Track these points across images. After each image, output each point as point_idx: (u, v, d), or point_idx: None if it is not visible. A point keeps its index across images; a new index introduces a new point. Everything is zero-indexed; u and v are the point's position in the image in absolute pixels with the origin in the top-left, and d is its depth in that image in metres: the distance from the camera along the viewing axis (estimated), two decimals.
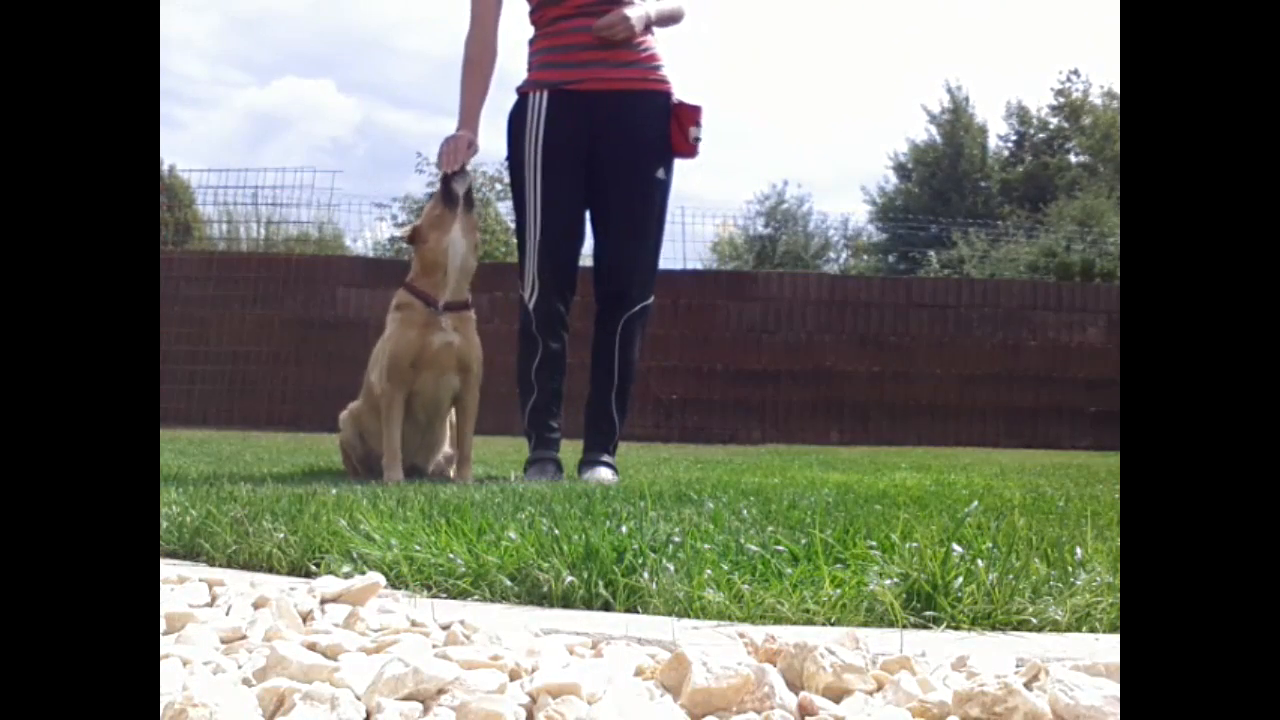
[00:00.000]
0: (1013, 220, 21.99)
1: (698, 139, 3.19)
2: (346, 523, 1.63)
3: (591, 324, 3.27)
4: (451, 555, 1.40)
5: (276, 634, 0.98)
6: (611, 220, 3.22)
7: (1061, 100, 27.75)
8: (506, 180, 18.72)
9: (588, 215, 3.27)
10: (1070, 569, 1.30)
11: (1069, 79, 27.93)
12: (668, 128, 3.19)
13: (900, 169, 28.99)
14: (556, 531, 1.47)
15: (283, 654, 0.86)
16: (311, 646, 0.93)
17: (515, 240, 3.36)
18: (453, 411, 3.18)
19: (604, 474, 3.08)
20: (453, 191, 3.08)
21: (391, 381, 2.99)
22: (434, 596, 1.32)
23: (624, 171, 3.18)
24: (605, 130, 3.15)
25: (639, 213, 3.21)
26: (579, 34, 3.15)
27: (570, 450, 3.31)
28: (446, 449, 3.25)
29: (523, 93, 3.24)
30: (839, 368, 9.14)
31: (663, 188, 3.24)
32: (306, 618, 1.08)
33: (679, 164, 3.28)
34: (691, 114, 3.18)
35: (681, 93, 3.25)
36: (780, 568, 1.30)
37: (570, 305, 3.26)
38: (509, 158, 3.30)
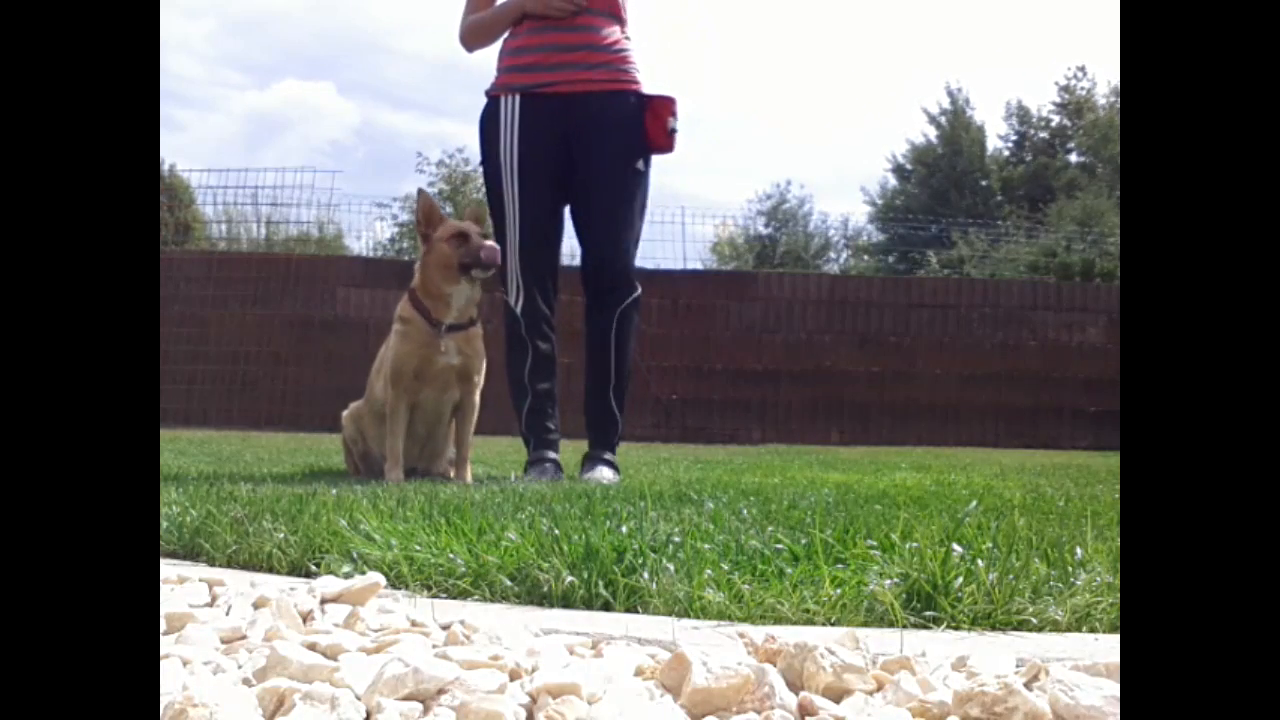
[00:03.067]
0: (1013, 220, 22.00)
1: (674, 130, 3.19)
2: (346, 523, 1.63)
3: (580, 323, 3.27)
4: (451, 555, 1.40)
5: (276, 634, 0.98)
6: (593, 219, 3.23)
7: (1066, 97, 27.75)
8: None
9: (568, 215, 3.28)
10: (1070, 569, 1.30)
11: (1075, 75, 27.97)
12: (642, 124, 3.19)
13: (900, 169, 29.00)
14: (556, 531, 1.47)
15: (283, 654, 0.86)
16: (311, 646, 0.93)
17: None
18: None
19: (605, 473, 3.08)
20: (471, 275, 3.01)
21: (394, 390, 3.00)
22: (434, 596, 1.32)
23: (602, 170, 3.18)
24: (580, 131, 3.15)
25: (620, 209, 3.21)
26: (548, 34, 3.15)
27: (570, 450, 3.31)
28: (450, 451, 3.25)
29: (493, 96, 3.24)
30: (839, 368, 9.14)
31: (642, 181, 3.24)
32: (306, 618, 1.08)
33: (670, 162, 3.30)
34: (667, 105, 3.19)
35: (682, 92, 3.26)
36: (780, 567, 1.30)
37: (555, 305, 3.26)
38: (483, 162, 3.30)
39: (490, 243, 3.07)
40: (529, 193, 3.17)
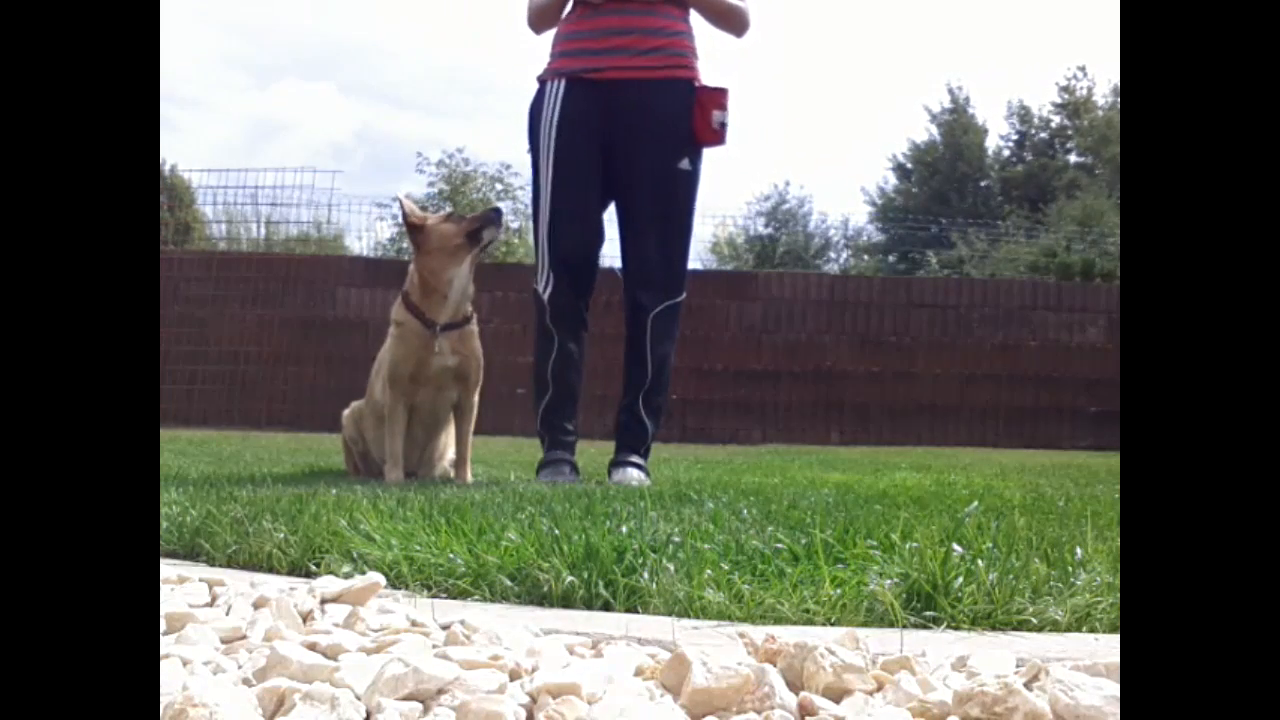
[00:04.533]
0: (1013, 220, 22.01)
1: (723, 124, 3.06)
2: (346, 523, 1.63)
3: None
4: (451, 555, 1.40)
5: (276, 634, 0.98)
6: (634, 214, 3.12)
7: (1066, 97, 27.75)
8: (507, 180, 18.55)
9: (612, 211, 3.18)
10: (1070, 569, 1.30)
11: (1075, 75, 27.98)
12: (691, 116, 3.04)
13: (900, 169, 29.00)
14: (556, 531, 1.47)
15: (283, 654, 0.86)
16: (312, 646, 0.93)
17: (531, 238, 3.31)
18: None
19: (633, 475, 2.98)
20: (482, 238, 3.01)
21: (393, 390, 2.99)
22: (434, 596, 1.32)
23: (644, 163, 3.06)
24: (624, 120, 3.03)
25: (660, 206, 3.09)
26: (600, 18, 3.04)
27: (586, 453, 3.27)
28: (450, 454, 3.24)
29: (542, 81, 3.15)
30: (839, 368, 9.13)
31: (688, 179, 3.10)
32: (307, 618, 1.08)
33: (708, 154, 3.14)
34: (715, 97, 3.05)
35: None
36: (780, 567, 1.30)
37: (588, 301, 3.17)
38: (529, 149, 3.20)
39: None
40: (563, 176, 3.07)
